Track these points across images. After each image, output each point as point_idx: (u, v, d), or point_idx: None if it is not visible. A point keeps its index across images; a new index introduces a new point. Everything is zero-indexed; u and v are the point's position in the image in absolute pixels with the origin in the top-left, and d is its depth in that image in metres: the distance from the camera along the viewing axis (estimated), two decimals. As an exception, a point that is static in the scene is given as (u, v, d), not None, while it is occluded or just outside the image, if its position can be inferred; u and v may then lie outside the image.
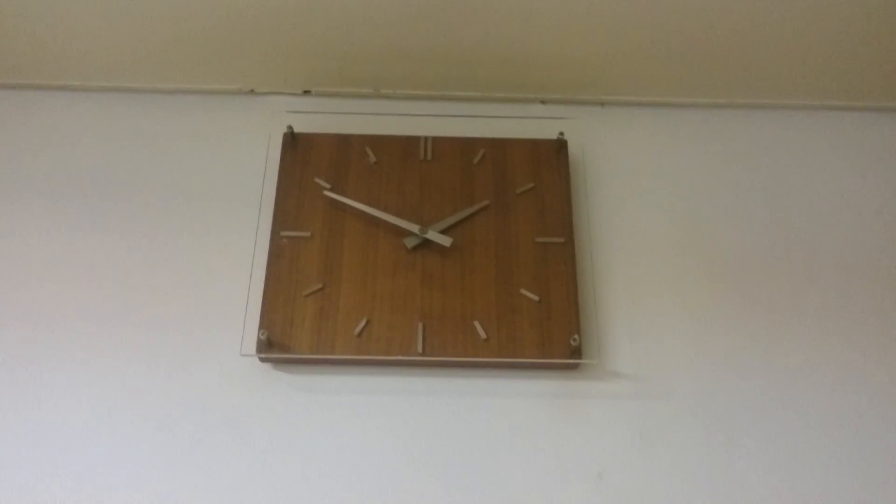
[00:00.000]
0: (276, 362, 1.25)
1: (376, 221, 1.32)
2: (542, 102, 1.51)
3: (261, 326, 1.23)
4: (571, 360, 1.23)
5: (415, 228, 1.30)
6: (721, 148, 1.47)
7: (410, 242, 1.30)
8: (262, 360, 1.24)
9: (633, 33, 1.38)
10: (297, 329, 1.23)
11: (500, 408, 1.23)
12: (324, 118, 1.43)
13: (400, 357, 1.22)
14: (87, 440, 1.19)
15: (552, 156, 1.39)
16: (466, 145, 1.40)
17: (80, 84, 1.48)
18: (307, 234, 1.31)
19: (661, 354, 1.28)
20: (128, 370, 1.24)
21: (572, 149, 1.40)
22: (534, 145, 1.40)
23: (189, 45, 1.41)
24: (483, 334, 1.24)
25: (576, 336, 1.22)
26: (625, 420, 1.23)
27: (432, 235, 1.29)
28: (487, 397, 1.24)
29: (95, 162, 1.41)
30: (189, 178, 1.40)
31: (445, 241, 1.29)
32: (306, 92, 1.50)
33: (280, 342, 1.22)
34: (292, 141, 1.38)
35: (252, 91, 1.50)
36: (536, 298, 1.27)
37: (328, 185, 1.35)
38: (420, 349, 1.22)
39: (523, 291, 1.27)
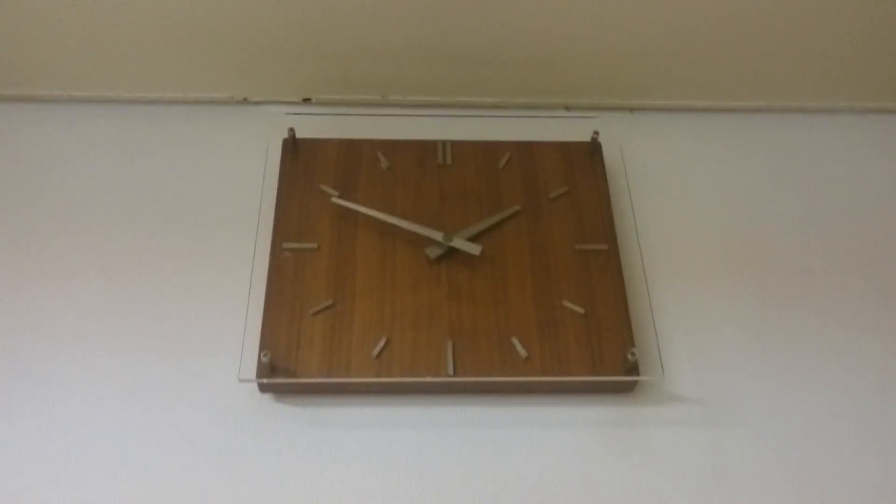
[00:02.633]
0: (280, 392, 1.06)
1: (392, 231, 1.15)
2: (567, 108, 1.37)
3: (262, 348, 1.03)
4: (631, 378, 1.05)
5: (438, 236, 1.13)
6: (767, 152, 1.34)
7: (433, 252, 1.13)
8: (262, 388, 1.05)
9: (665, 33, 1.26)
10: (304, 351, 1.04)
11: (547, 439, 1.04)
12: (327, 125, 1.27)
13: (429, 378, 1.03)
14: (56, 484, 0.97)
15: (585, 159, 1.24)
16: (489, 149, 1.25)
17: (61, 94, 1.31)
18: (313, 245, 1.13)
19: (726, 373, 1.11)
20: (105, 401, 1.04)
21: (606, 152, 1.25)
22: (565, 148, 1.25)
23: (173, 50, 1.26)
24: (523, 352, 1.05)
25: (633, 350, 1.04)
26: (692, 450, 1.05)
27: (458, 243, 1.12)
28: (532, 427, 1.05)
29: (78, 176, 1.24)
30: (178, 193, 1.23)
31: (474, 249, 1.12)
32: (306, 100, 1.35)
33: (284, 366, 1.03)
34: (293, 146, 1.22)
35: (245, 100, 1.34)
36: (582, 311, 1.09)
37: (336, 193, 1.18)
38: (451, 370, 1.03)
39: (566, 303, 1.10)
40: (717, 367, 1.11)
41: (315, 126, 1.26)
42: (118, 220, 1.20)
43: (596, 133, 1.24)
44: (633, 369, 1.05)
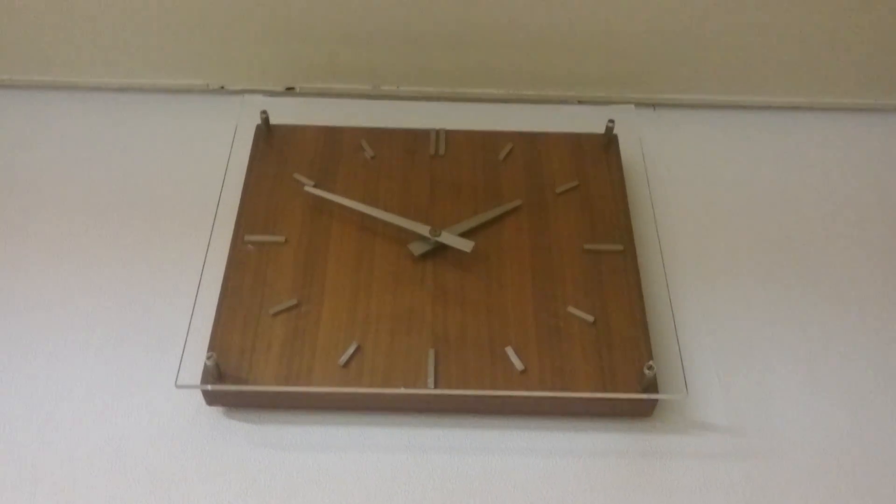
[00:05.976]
0: (231, 405, 0.90)
1: (372, 225, 1.00)
2: (580, 102, 1.23)
3: (210, 350, 0.87)
4: (648, 396, 0.87)
5: (424, 231, 0.97)
6: (803, 151, 1.18)
7: (418, 249, 0.97)
8: (209, 400, 0.89)
9: (690, 21, 1.12)
10: (259, 356, 0.88)
11: (548, 471, 0.86)
12: (310, 114, 1.13)
13: (404, 391, 0.86)
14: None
15: (599, 151, 1.09)
16: (489, 139, 1.10)
17: (23, 79, 1.20)
18: (280, 238, 0.98)
19: (765, 395, 0.93)
20: (25, 406, 0.89)
21: (623, 147, 1.10)
22: (575, 139, 1.10)
23: (144, 32, 1.14)
24: (519, 364, 0.88)
25: (651, 363, 0.87)
26: (723, 487, 0.86)
27: (447, 238, 0.97)
28: (529, 456, 0.87)
29: (37, 167, 1.12)
30: (144, 184, 1.11)
31: (465, 245, 0.96)
32: (289, 89, 1.22)
33: (235, 374, 0.87)
34: (267, 133, 1.09)
35: (223, 88, 1.21)
36: (591, 319, 0.92)
37: (311, 182, 1.03)
38: (431, 382, 0.87)
39: (572, 310, 0.93)
40: (752, 387, 0.93)
41: (297, 115, 1.12)
42: (75, 212, 1.08)
43: (611, 122, 1.09)
44: (651, 387, 0.87)
